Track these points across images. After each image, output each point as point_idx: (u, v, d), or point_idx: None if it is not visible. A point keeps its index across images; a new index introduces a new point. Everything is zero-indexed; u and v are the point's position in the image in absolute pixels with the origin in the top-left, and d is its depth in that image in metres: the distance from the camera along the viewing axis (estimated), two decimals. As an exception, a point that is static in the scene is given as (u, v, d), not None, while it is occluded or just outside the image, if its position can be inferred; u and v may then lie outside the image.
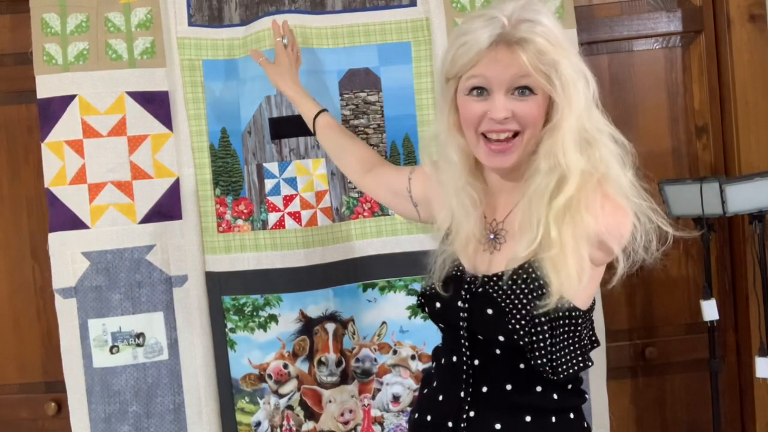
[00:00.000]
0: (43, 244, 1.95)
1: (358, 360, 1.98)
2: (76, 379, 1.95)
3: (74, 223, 1.91)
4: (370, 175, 1.60)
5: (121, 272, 1.93)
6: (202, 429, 1.97)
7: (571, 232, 1.15)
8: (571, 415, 1.29)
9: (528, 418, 1.25)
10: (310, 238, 1.93)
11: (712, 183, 1.88)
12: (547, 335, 1.19)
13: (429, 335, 1.41)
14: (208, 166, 1.95)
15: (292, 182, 1.93)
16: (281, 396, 1.97)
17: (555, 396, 1.26)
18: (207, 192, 1.95)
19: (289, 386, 1.97)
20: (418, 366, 1.96)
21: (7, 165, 2.14)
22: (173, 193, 1.95)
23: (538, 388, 1.25)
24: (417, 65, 1.94)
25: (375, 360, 1.97)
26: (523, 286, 1.20)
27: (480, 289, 1.25)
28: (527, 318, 1.18)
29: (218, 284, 1.96)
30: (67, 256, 1.92)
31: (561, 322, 1.21)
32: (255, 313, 1.95)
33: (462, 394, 1.27)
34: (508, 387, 1.25)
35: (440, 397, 1.33)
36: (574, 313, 1.22)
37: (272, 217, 1.93)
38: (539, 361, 1.19)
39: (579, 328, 1.24)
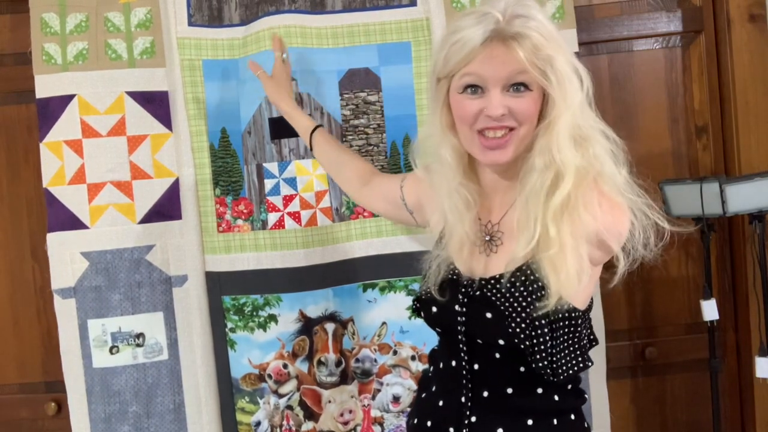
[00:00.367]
0: (43, 244, 1.95)
1: (357, 360, 1.98)
2: (76, 379, 1.95)
3: (73, 223, 1.91)
4: (367, 187, 1.60)
5: (120, 272, 1.93)
6: (202, 429, 1.97)
7: (569, 231, 1.14)
8: (572, 417, 1.29)
9: (530, 422, 1.24)
10: (309, 238, 1.92)
11: (712, 183, 1.88)
12: (547, 337, 1.18)
13: (429, 336, 1.40)
14: (208, 166, 1.95)
15: (291, 182, 1.93)
16: (281, 396, 1.97)
17: (556, 397, 1.26)
18: (207, 192, 1.95)
19: (289, 386, 1.97)
20: (418, 366, 1.96)
21: (7, 165, 2.14)
22: (173, 193, 1.95)
23: (539, 390, 1.24)
24: (417, 65, 1.94)
25: (375, 360, 1.97)
26: (522, 288, 1.19)
27: (478, 293, 1.23)
28: (527, 321, 1.17)
29: (218, 284, 1.96)
30: (66, 257, 1.92)
31: (561, 323, 1.20)
32: (255, 313, 1.95)
33: (462, 399, 1.26)
34: (509, 390, 1.25)
35: (440, 402, 1.31)
36: (573, 314, 1.21)
37: (272, 217, 1.93)
38: (540, 364, 1.18)
39: (579, 328, 1.23)
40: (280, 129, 1.92)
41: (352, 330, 1.98)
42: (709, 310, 1.97)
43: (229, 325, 1.96)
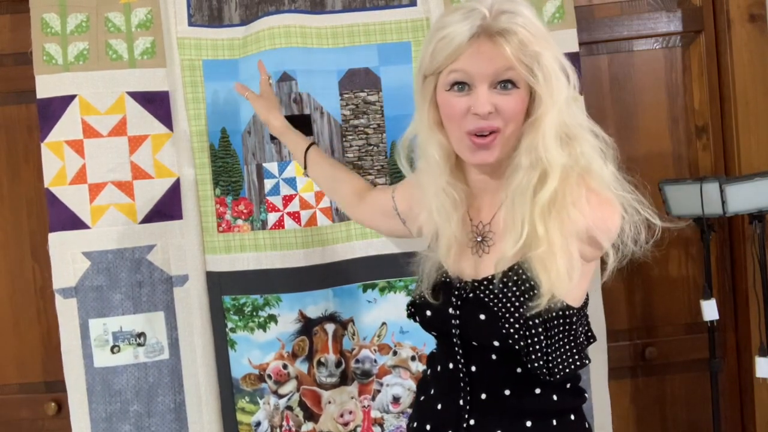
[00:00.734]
0: (43, 244, 1.95)
1: (357, 361, 1.97)
2: (77, 378, 1.95)
3: (74, 223, 1.92)
4: (363, 203, 1.58)
5: (121, 272, 1.93)
6: (202, 428, 1.97)
7: (558, 228, 1.13)
8: (572, 417, 1.28)
9: (529, 423, 1.23)
10: (309, 238, 1.93)
11: (712, 183, 1.88)
12: (542, 336, 1.17)
13: (429, 336, 1.40)
14: (208, 166, 1.95)
15: (291, 182, 1.93)
16: (281, 396, 1.97)
17: (555, 397, 1.25)
18: (207, 192, 1.95)
19: (289, 387, 1.97)
20: (418, 367, 1.96)
21: (7, 165, 2.14)
22: (174, 193, 1.95)
23: (537, 391, 1.24)
24: (417, 65, 1.94)
25: (375, 361, 1.97)
26: (515, 288, 1.18)
27: (471, 295, 1.22)
28: (521, 321, 1.16)
29: (218, 284, 1.96)
30: (67, 256, 1.92)
31: (555, 322, 1.19)
32: (255, 313, 1.95)
33: (461, 401, 1.25)
34: (507, 392, 1.24)
35: (439, 406, 1.31)
36: (568, 312, 1.20)
37: (272, 217, 1.94)
38: (536, 364, 1.17)
39: (574, 326, 1.22)
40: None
41: (352, 330, 1.98)
42: (709, 310, 1.97)
43: (230, 325, 1.96)
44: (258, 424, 1.98)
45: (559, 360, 1.20)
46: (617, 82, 2.14)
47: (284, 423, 1.97)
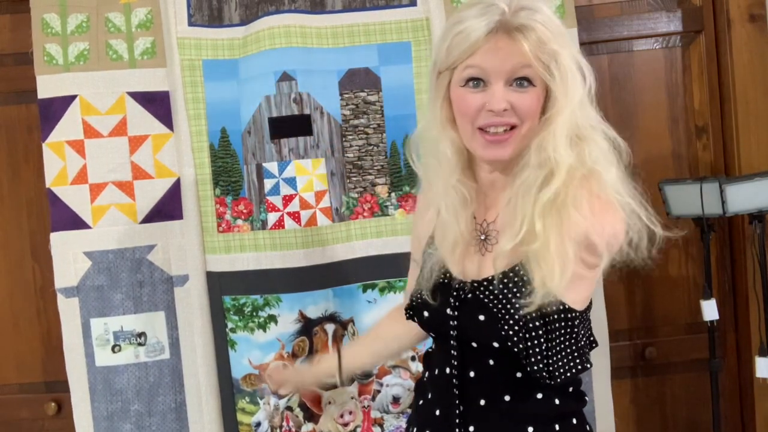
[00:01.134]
0: (43, 244, 1.95)
1: (357, 360, 1.97)
2: (79, 377, 1.95)
3: (76, 223, 1.92)
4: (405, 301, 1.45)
5: (122, 272, 1.94)
6: (203, 428, 1.97)
7: (556, 227, 1.11)
8: (574, 421, 1.26)
9: (531, 429, 1.21)
10: (309, 238, 1.92)
11: (712, 183, 1.87)
12: (542, 339, 1.15)
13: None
14: (208, 166, 1.95)
15: (291, 182, 1.93)
16: (281, 397, 1.97)
17: (557, 401, 1.22)
18: (207, 192, 1.95)
19: (289, 387, 1.97)
20: (418, 367, 1.96)
21: (7, 165, 2.15)
22: (174, 193, 1.95)
23: (539, 395, 1.21)
24: (417, 65, 1.94)
25: (375, 361, 1.97)
26: (515, 289, 1.16)
27: (470, 295, 1.20)
28: (521, 322, 1.15)
29: (218, 284, 1.96)
30: (69, 256, 1.92)
31: (556, 324, 1.17)
32: (255, 314, 1.95)
33: (460, 408, 1.23)
34: (507, 398, 1.21)
35: (437, 412, 1.28)
36: (570, 315, 1.18)
37: (272, 217, 1.94)
38: (535, 367, 1.15)
39: (576, 329, 1.21)
40: (280, 129, 1.93)
41: (352, 330, 1.98)
42: (709, 310, 1.97)
43: (230, 325, 1.96)
44: (258, 424, 1.98)
45: (559, 363, 1.18)
46: (617, 82, 2.14)
47: (284, 423, 1.97)
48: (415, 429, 1.34)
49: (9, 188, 2.15)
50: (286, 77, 1.91)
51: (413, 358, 1.96)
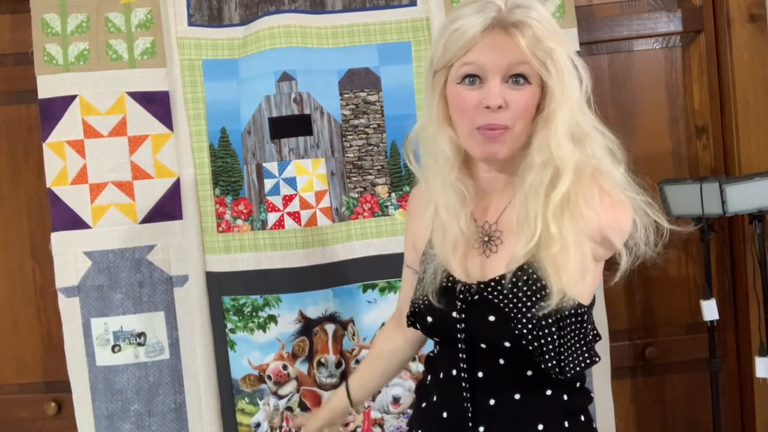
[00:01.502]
0: (43, 244, 1.95)
1: (358, 361, 1.97)
2: (80, 376, 1.96)
3: (76, 223, 1.92)
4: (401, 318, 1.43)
5: (122, 272, 1.94)
6: (203, 429, 1.97)
7: (571, 228, 1.11)
8: (582, 418, 1.26)
9: (540, 426, 1.21)
10: (309, 238, 1.92)
11: (712, 183, 1.87)
12: (555, 336, 1.15)
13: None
14: (208, 165, 1.95)
15: (291, 182, 1.93)
16: (280, 397, 1.97)
17: (565, 397, 1.23)
18: (207, 192, 1.95)
19: (289, 387, 1.97)
20: (418, 367, 1.96)
21: (7, 165, 2.15)
22: (174, 193, 1.95)
23: (548, 392, 1.21)
24: (417, 65, 1.94)
25: (375, 360, 1.97)
26: (525, 288, 1.16)
27: (477, 297, 1.20)
28: (533, 321, 1.14)
29: (218, 284, 1.96)
30: (69, 256, 1.93)
31: (568, 320, 1.17)
32: (254, 314, 1.95)
33: (470, 409, 1.22)
34: (517, 396, 1.21)
35: (445, 414, 1.27)
36: (580, 310, 1.19)
37: (272, 217, 1.93)
38: (549, 364, 1.15)
39: (585, 324, 1.21)
40: (280, 129, 1.93)
41: (352, 331, 1.97)
42: (709, 310, 1.97)
43: (229, 325, 1.96)
44: (258, 425, 1.98)
45: (570, 358, 1.18)
46: (617, 82, 2.14)
47: (284, 424, 1.97)
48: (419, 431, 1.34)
49: (9, 188, 2.15)
50: (286, 77, 1.91)
51: (413, 359, 1.96)
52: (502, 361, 1.20)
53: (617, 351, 2.11)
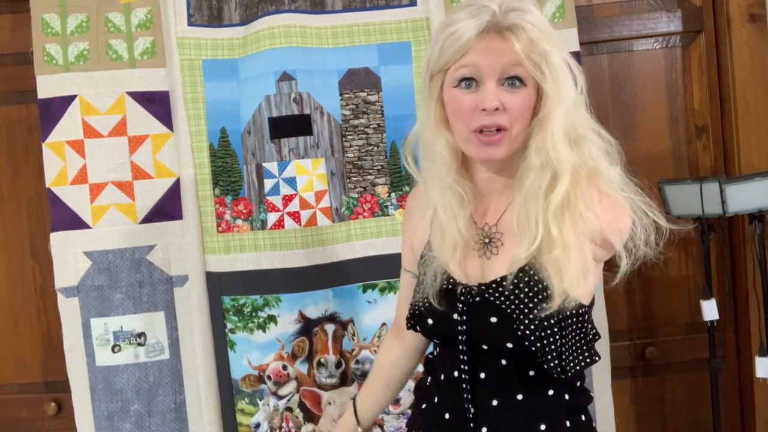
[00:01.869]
0: (43, 244, 1.95)
1: (357, 362, 1.97)
2: (80, 376, 1.96)
3: (76, 223, 1.92)
4: (401, 326, 1.43)
5: (122, 272, 1.94)
6: (202, 429, 1.97)
7: (571, 230, 1.12)
8: (583, 417, 1.27)
9: (543, 426, 1.21)
10: (309, 238, 1.92)
11: (712, 183, 1.88)
12: (557, 336, 1.16)
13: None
14: (208, 165, 1.95)
15: (291, 182, 1.93)
16: (280, 397, 1.97)
17: (566, 396, 1.23)
18: (206, 192, 1.95)
19: (288, 388, 1.97)
20: (418, 368, 1.96)
21: (7, 165, 2.15)
22: (174, 193, 1.95)
23: (550, 392, 1.22)
24: (417, 65, 1.94)
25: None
26: (527, 289, 1.17)
27: (478, 299, 1.20)
28: (535, 322, 1.15)
29: (218, 284, 1.96)
30: (69, 256, 1.93)
31: (570, 320, 1.18)
32: (254, 314, 1.95)
33: (471, 410, 1.23)
34: (520, 396, 1.21)
35: (447, 415, 1.27)
36: (581, 310, 1.19)
37: (271, 217, 1.93)
38: (552, 363, 1.16)
39: (585, 323, 1.22)
40: (280, 129, 1.93)
41: (352, 331, 1.97)
42: (709, 310, 1.97)
43: (229, 325, 1.96)
44: (257, 425, 1.98)
45: (572, 357, 1.19)
46: (617, 82, 2.14)
47: (284, 424, 1.97)
48: None
49: (9, 188, 2.15)
50: (286, 77, 1.91)
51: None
52: (504, 362, 1.21)
53: (617, 351, 2.11)
